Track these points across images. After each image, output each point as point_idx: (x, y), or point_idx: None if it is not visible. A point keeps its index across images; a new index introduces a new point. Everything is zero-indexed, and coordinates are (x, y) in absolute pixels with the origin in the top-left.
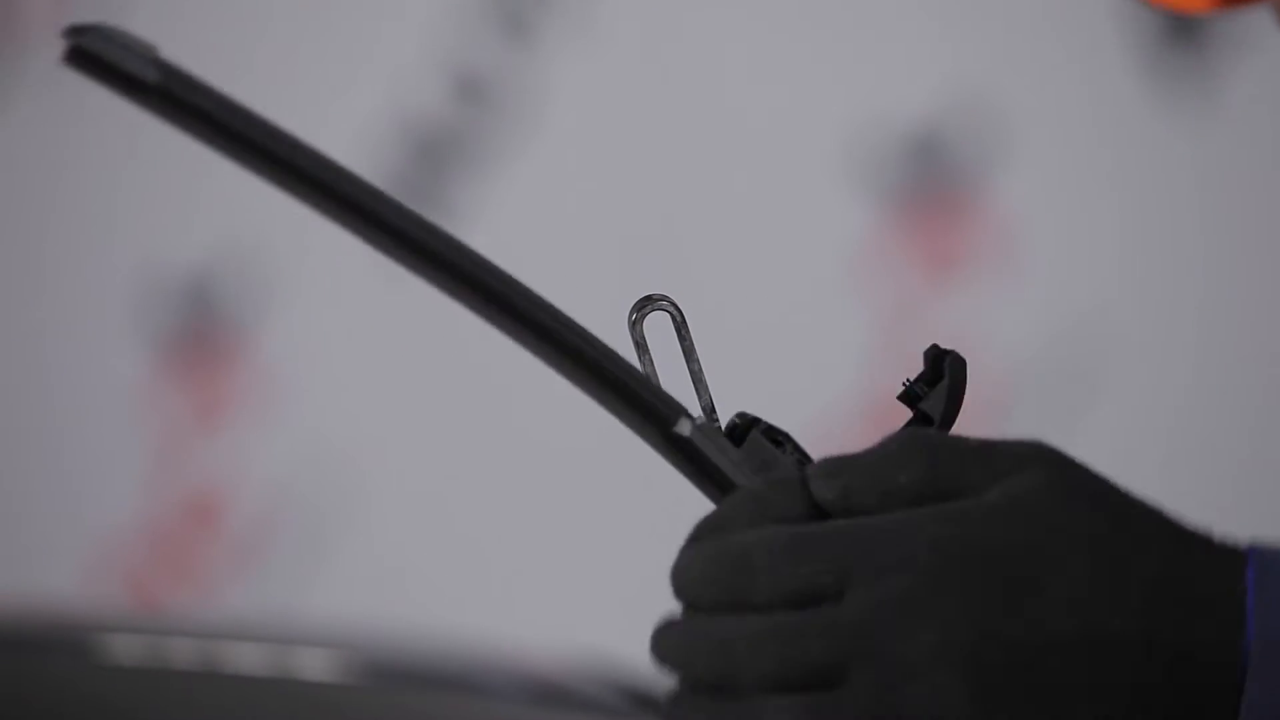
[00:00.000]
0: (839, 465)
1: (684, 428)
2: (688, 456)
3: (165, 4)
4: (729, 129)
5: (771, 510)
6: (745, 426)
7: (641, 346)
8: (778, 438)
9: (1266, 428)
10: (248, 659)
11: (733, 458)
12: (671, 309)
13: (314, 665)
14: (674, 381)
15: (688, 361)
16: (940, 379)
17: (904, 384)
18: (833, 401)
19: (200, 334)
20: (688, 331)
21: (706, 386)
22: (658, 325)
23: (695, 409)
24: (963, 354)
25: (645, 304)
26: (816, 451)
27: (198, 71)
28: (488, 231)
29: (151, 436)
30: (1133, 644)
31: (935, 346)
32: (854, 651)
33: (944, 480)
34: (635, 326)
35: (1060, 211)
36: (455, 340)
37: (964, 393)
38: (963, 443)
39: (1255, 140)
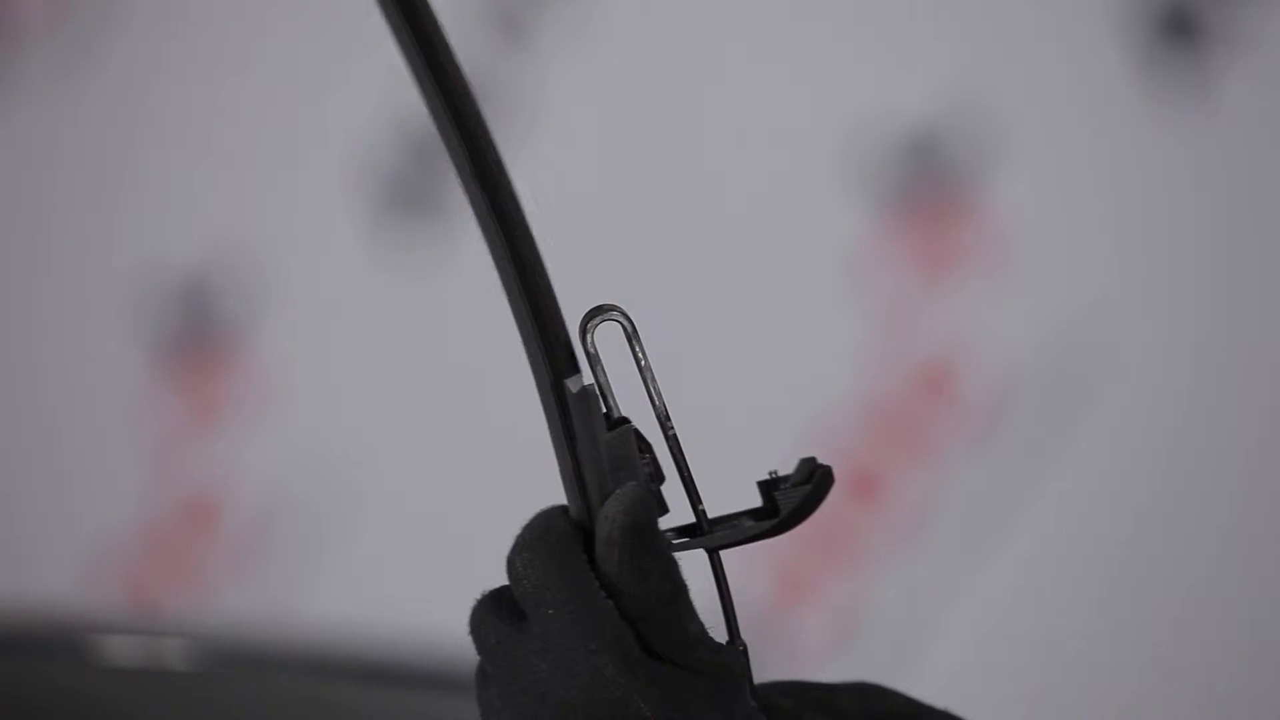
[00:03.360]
0: (613, 547)
1: (574, 385)
2: (561, 410)
3: (165, 4)
4: (725, 131)
5: (548, 541)
6: (623, 421)
7: (593, 357)
8: (643, 446)
9: (1266, 430)
10: (244, 660)
11: (595, 435)
12: (622, 319)
13: (310, 666)
14: (627, 391)
15: (640, 371)
16: (806, 484)
17: (770, 473)
18: (829, 403)
19: (198, 335)
20: (640, 341)
21: (660, 395)
22: (610, 335)
23: (650, 416)
24: (831, 467)
25: (595, 314)
26: (790, 454)
27: (197, 71)
28: None
29: (149, 438)
30: None
31: (813, 459)
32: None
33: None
34: (586, 337)
35: (1057, 213)
36: (453, 342)
37: (817, 507)
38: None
39: (1253, 140)
